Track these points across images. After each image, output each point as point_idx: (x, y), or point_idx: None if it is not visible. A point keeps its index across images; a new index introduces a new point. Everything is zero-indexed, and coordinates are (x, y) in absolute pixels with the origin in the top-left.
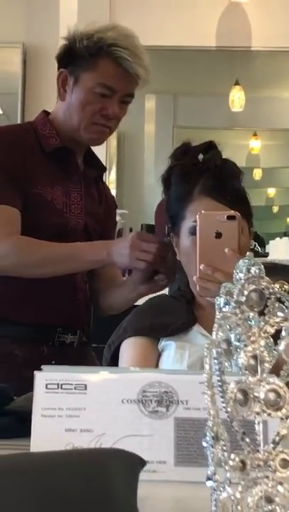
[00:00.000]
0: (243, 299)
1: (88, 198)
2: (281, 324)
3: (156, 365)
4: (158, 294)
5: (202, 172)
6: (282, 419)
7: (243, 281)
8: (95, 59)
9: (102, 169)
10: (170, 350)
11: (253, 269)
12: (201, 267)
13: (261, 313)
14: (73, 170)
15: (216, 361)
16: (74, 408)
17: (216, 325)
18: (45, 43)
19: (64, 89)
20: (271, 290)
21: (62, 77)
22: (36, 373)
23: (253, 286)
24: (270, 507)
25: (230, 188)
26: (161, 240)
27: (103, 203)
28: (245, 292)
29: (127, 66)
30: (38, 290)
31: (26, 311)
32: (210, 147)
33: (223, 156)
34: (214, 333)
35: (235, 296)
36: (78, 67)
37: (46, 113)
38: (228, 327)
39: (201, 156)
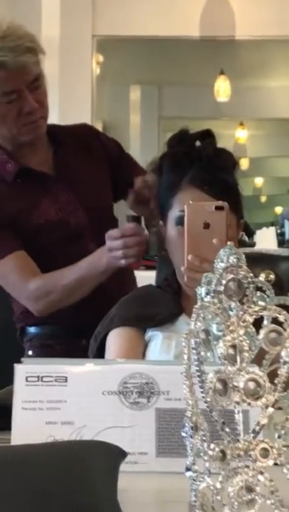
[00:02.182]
0: (222, 288)
1: (78, 180)
2: (260, 313)
3: (143, 356)
4: (145, 284)
5: (193, 161)
6: (262, 408)
7: (221, 270)
8: None
9: (75, 131)
10: (157, 340)
11: (232, 259)
12: (188, 258)
13: (241, 303)
14: (44, 175)
15: (194, 351)
16: (55, 401)
17: (194, 315)
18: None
19: None
20: (250, 279)
21: None
22: (16, 366)
23: (231, 276)
24: (250, 496)
25: (219, 179)
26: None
27: (102, 156)
28: (224, 281)
29: (11, 65)
30: None
31: (60, 316)
32: (206, 135)
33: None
34: (192, 323)
35: (213, 286)
36: None
37: None
38: (209, 317)
39: (198, 144)
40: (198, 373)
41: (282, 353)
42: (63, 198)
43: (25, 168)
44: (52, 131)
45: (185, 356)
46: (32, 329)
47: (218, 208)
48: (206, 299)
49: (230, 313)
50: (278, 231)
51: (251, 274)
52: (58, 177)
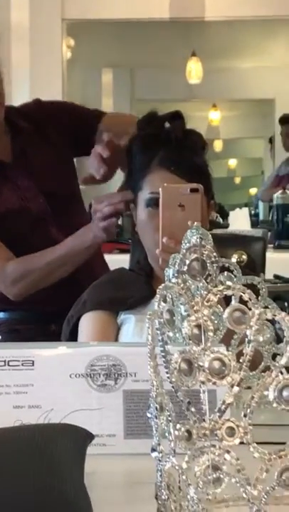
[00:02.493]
0: (185, 268)
1: (37, 165)
2: (224, 292)
3: (116, 339)
4: (117, 268)
5: (162, 143)
6: (228, 387)
7: (184, 250)
8: None
9: (29, 111)
10: (130, 323)
11: (194, 239)
12: (163, 240)
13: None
14: (1, 163)
15: (158, 332)
16: (21, 385)
17: (157, 295)
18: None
19: None
20: (213, 259)
21: None
22: None
23: (195, 255)
24: (216, 475)
25: (187, 161)
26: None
27: (58, 131)
28: (187, 262)
29: None
30: None
31: (29, 301)
32: (175, 117)
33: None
34: (156, 303)
35: (176, 266)
36: None
37: None
38: (175, 297)
39: (167, 126)
40: (163, 354)
41: (247, 332)
42: (23, 185)
43: None
44: (8, 117)
45: (149, 337)
46: (1, 314)
47: (193, 190)
48: (173, 280)
49: (195, 293)
50: (252, 212)
51: (215, 254)
52: (16, 164)
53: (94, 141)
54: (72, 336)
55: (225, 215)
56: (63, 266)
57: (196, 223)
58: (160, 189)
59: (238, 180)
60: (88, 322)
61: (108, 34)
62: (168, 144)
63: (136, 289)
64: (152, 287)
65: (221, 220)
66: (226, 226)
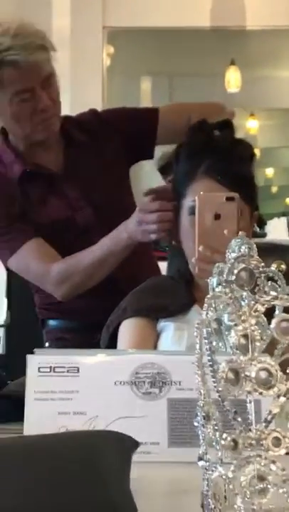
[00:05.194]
0: (233, 278)
1: (87, 177)
2: (272, 302)
3: (155, 346)
4: (158, 275)
5: (209, 152)
6: (274, 397)
7: (232, 260)
8: None
9: (84, 121)
10: (169, 331)
11: (243, 248)
12: (199, 249)
13: (252, 293)
14: (52, 174)
15: (206, 341)
16: (67, 391)
17: (205, 304)
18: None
19: None
20: (261, 269)
21: None
22: (29, 357)
23: (243, 265)
24: (262, 485)
25: (233, 170)
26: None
27: (113, 140)
28: (235, 271)
29: (24, 62)
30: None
31: (75, 310)
32: (225, 126)
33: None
34: (204, 312)
35: (224, 276)
36: None
37: (3, 132)
38: (221, 307)
39: (217, 133)
40: (211, 363)
41: None
42: (72, 196)
43: (31, 170)
44: (64, 127)
45: (197, 346)
46: (51, 322)
47: (229, 198)
48: (217, 289)
49: (242, 302)
50: None
51: (262, 264)
52: (66, 175)
53: (155, 140)
54: (112, 342)
55: (261, 224)
56: (101, 268)
57: (240, 233)
58: (196, 197)
59: (274, 189)
60: (128, 328)
61: (148, 42)
62: (216, 153)
63: (176, 297)
64: (192, 295)
65: (257, 229)
66: (264, 235)
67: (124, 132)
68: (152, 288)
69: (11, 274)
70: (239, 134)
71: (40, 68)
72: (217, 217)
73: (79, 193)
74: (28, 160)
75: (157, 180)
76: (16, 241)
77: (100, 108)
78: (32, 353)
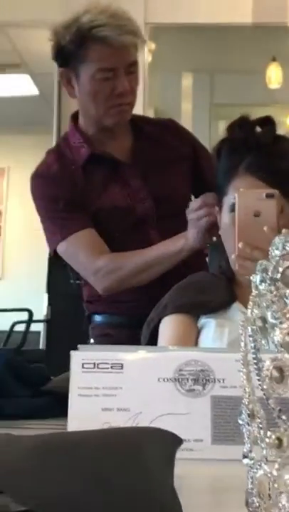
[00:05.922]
0: (278, 275)
1: (152, 170)
2: None
3: (196, 343)
4: (198, 272)
5: (250, 148)
6: None
7: (278, 257)
8: (83, 49)
9: (159, 124)
10: (210, 327)
11: (288, 246)
12: (239, 245)
13: None
14: (117, 161)
15: (251, 339)
16: (110, 387)
17: (250, 302)
18: None
19: (71, 87)
20: None
21: (64, 76)
22: (72, 353)
23: (288, 263)
24: None
25: (275, 166)
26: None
27: (181, 155)
28: (280, 269)
29: (114, 42)
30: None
31: (121, 306)
32: (266, 122)
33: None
34: (249, 310)
35: (270, 273)
36: (73, 62)
37: (74, 117)
38: (264, 304)
39: (258, 130)
40: (255, 361)
41: None
42: (134, 185)
43: (97, 154)
44: (135, 120)
45: (242, 344)
46: (96, 317)
47: (268, 195)
48: (260, 287)
49: (287, 301)
50: None
51: None
52: (132, 164)
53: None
54: (153, 339)
55: None
56: (152, 268)
57: (284, 230)
58: (236, 194)
59: None
60: (169, 325)
61: (189, 38)
62: (257, 149)
63: (217, 293)
64: (233, 292)
65: None
66: None
67: (196, 152)
68: (193, 284)
69: (51, 270)
70: (280, 130)
71: (128, 52)
72: (257, 214)
73: (142, 184)
74: (96, 145)
75: None
76: (70, 227)
77: (141, 104)
78: (75, 349)
